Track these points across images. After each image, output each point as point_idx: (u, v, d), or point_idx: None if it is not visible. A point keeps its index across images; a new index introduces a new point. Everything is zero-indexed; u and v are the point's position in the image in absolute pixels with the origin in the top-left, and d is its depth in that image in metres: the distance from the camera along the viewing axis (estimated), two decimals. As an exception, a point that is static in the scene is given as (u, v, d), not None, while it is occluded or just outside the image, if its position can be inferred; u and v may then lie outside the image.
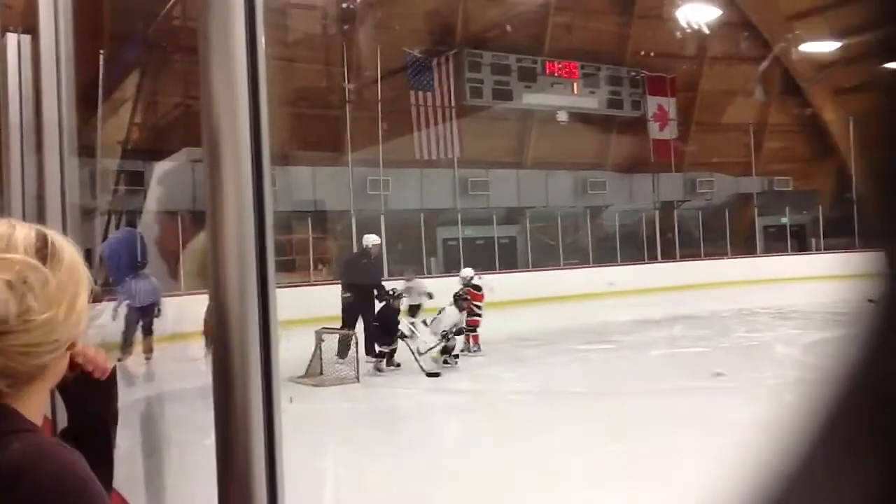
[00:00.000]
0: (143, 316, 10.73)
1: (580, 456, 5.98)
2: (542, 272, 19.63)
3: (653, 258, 22.37)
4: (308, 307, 12.31)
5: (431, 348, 9.74)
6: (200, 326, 9.18)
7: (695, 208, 23.40)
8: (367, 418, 8.05)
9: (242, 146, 0.83)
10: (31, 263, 0.96)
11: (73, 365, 1.07)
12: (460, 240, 19.86)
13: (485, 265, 18.48)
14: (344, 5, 18.88)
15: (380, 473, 5.72)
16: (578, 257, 21.13)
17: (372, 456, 6.28)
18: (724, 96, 24.06)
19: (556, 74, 21.75)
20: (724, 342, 11.88)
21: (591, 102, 22.50)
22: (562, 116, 21.90)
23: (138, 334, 10.75)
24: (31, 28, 1.88)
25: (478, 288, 11.07)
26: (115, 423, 1.19)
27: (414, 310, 11.34)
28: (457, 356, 9.82)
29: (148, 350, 10.88)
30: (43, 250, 0.99)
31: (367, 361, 10.03)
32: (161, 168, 15.58)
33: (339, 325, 10.44)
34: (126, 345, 10.45)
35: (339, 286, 11.07)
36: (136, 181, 15.89)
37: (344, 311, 10.68)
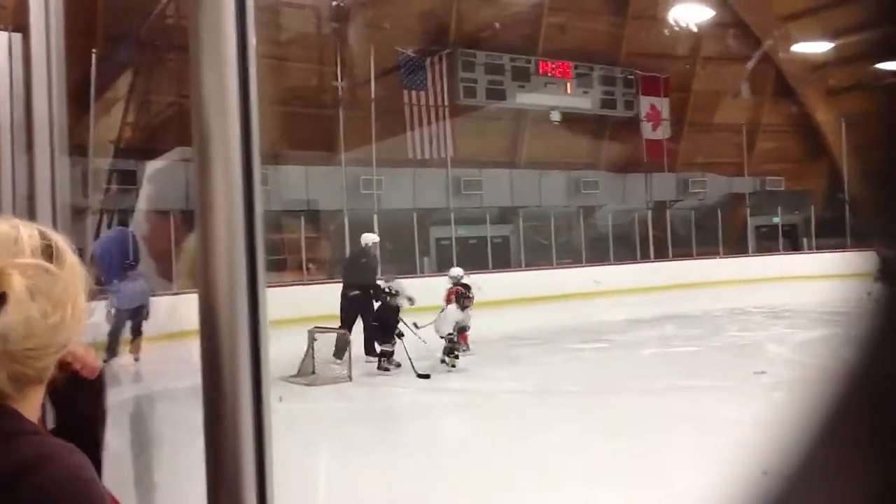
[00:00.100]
0: (132, 317, 10.65)
1: (577, 454, 5.99)
2: (536, 272, 19.66)
3: (646, 258, 22.42)
4: (300, 306, 12.31)
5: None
6: (195, 325, 9.14)
7: (687, 208, 23.46)
8: (361, 417, 8.04)
9: (232, 145, 0.83)
10: (43, 266, 0.96)
11: (62, 365, 1.06)
12: (453, 239, 19.87)
13: (478, 265, 18.50)
14: (336, 4, 18.84)
15: (374, 473, 5.71)
16: (571, 257, 21.17)
17: (366, 455, 6.27)
18: (716, 96, 24.14)
19: (549, 74, 21.77)
20: (717, 341, 11.92)
21: (585, 102, 22.53)
22: (555, 116, 21.92)
23: (127, 335, 10.69)
24: (21, 26, 1.87)
25: (467, 287, 11.09)
26: (104, 422, 1.19)
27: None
28: (457, 356, 9.81)
29: (136, 351, 10.79)
30: (48, 251, 0.99)
31: (366, 361, 10.02)
32: (153, 167, 15.55)
33: (330, 324, 10.43)
34: (112, 346, 10.34)
35: (332, 285, 11.07)
36: (129, 180, 15.85)
37: (343, 310, 10.65)
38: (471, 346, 10.74)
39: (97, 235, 14.14)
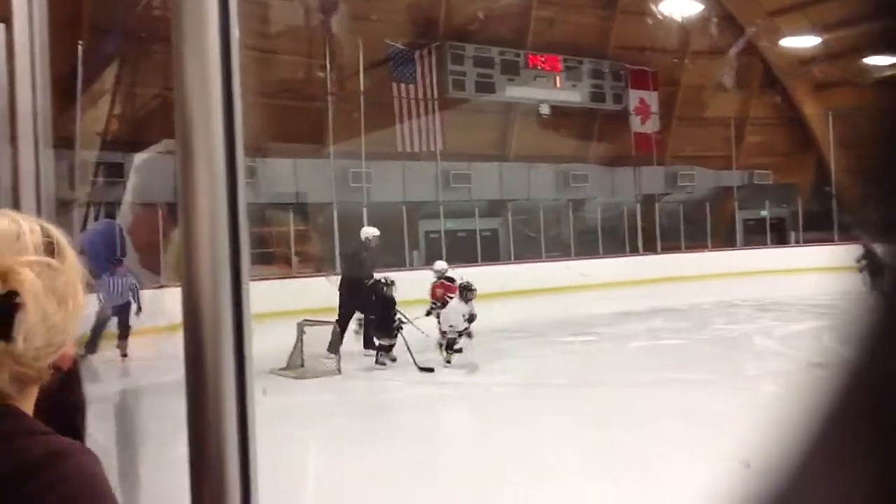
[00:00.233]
0: (118, 313, 10.43)
1: (567, 446, 6.02)
2: (525, 265, 19.68)
3: (634, 251, 22.49)
4: (288, 300, 12.29)
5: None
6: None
7: (676, 201, 23.53)
8: (350, 411, 8.05)
9: (216, 138, 0.82)
10: (47, 263, 0.94)
11: (55, 363, 1.05)
12: (442, 232, 19.87)
13: (467, 258, 18.51)
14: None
15: (363, 467, 5.71)
16: (560, 250, 21.20)
17: (355, 449, 6.28)
18: (705, 90, 24.20)
19: (538, 67, 21.76)
20: (705, 334, 11.99)
21: (574, 96, 22.53)
22: (544, 109, 21.92)
23: (114, 331, 10.52)
24: (4, 17, 1.85)
25: (452, 280, 11.09)
26: (84, 413, 1.17)
27: None
28: (459, 349, 9.81)
29: (123, 348, 10.58)
30: (50, 246, 0.97)
31: (364, 355, 10.01)
32: (140, 159, 15.45)
33: (318, 318, 10.41)
34: (94, 341, 10.05)
35: (320, 279, 11.04)
36: (116, 173, 15.74)
37: (341, 304, 10.61)
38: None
39: (84, 228, 14.04)
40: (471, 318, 9.91)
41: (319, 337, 9.65)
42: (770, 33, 23.61)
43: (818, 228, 22.68)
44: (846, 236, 21.06)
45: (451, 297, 10.85)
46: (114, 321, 10.51)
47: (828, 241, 21.48)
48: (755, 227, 24.45)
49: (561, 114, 22.23)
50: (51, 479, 0.87)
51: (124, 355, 10.58)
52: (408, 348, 9.52)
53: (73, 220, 13.49)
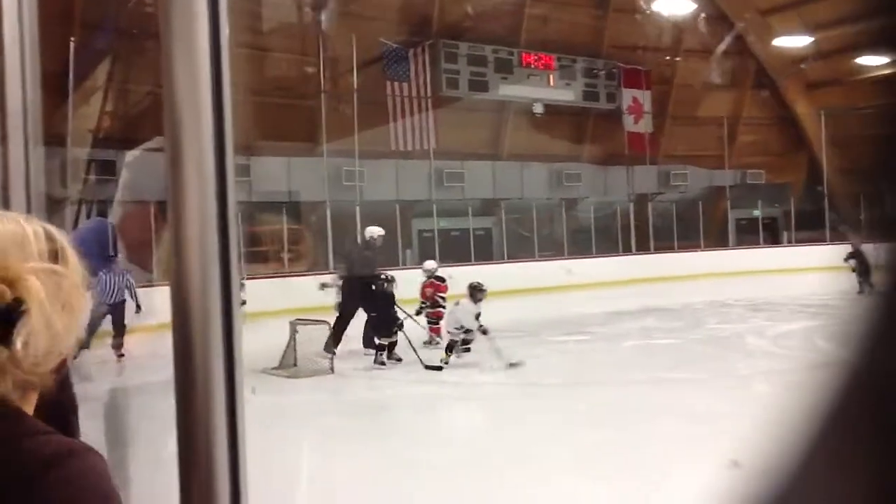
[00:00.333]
0: (112, 312, 10.19)
1: (561, 445, 6.03)
2: (518, 264, 19.69)
3: (627, 250, 22.52)
4: (280, 298, 12.26)
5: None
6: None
7: (669, 201, 23.57)
8: (343, 410, 8.03)
9: (205, 136, 0.81)
10: (53, 269, 0.93)
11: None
12: (436, 231, 19.86)
13: (460, 257, 18.50)
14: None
15: (357, 466, 5.71)
16: (553, 249, 21.22)
17: (348, 448, 6.27)
18: (698, 90, 24.25)
19: (532, 66, 21.77)
20: (697, 334, 12.02)
21: (567, 94, 22.54)
22: (538, 108, 21.93)
23: (108, 329, 10.34)
24: (-6, 13, 1.83)
25: (441, 279, 11.08)
26: (76, 412, 1.17)
27: None
28: (468, 349, 9.78)
29: (118, 348, 10.32)
30: (53, 250, 0.96)
31: (364, 354, 9.98)
32: (133, 156, 15.39)
33: (311, 316, 10.39)
34: (86, 339, 9.90)
35: (313, 278, 11.03)
36: (108, 170, 15.68)
37: (343, 303, 10.56)
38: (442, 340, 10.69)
39: (76, 226, 13.98)
40: (476, 317, 9.89)
41: (312, 336, 9.62)
42: (763, 32, 23.68)
43: (810, 228, 22.76)
44: (837, 236, 21.16)
45: (441, 297, 10.85)
46: (108, 319, 10.28)
47: (820, 240, 21.56)
48: (748, 227, 24.52)
49: (554, 112, 22.25)
50: (59, 479, 0.87)
51: (121, 355, 10.27)
52: (412, 347, 9.51)
53: (65, 217, 13.44)
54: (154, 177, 14.28)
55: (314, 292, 11.38)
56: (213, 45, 0.81)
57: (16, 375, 0.91)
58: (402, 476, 5.50)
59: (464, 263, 16.86)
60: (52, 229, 1.00)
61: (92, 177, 15.61)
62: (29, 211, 1.82)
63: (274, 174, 17.81)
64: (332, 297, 11.22)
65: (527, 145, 22.06)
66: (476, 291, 9.86)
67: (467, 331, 9.62)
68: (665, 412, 6.96)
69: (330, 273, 12.75)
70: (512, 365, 9.19)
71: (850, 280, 14.03)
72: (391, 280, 9.99)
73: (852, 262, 14.43)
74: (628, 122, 23.65)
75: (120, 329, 10.38)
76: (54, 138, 13.00)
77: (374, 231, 11.17)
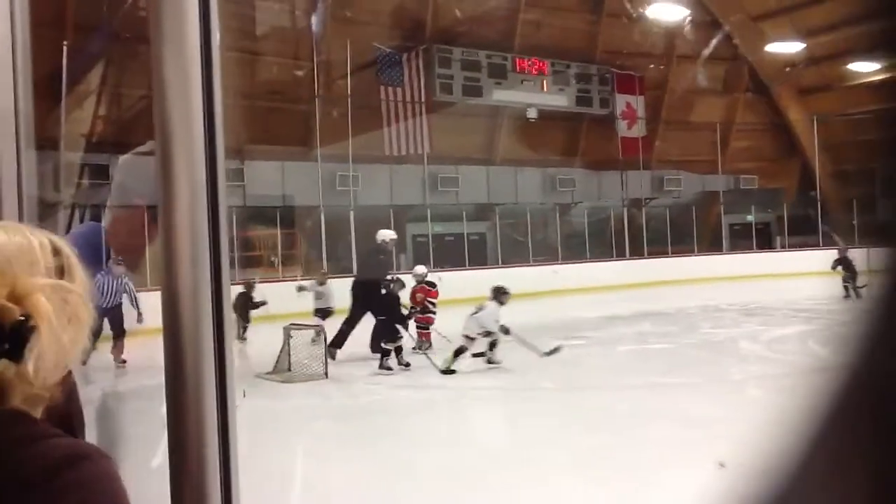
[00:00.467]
0: (110, 315, 9.91)
1: (557, 449, 6.02)
2: (512, 268, 19.68)
3: (621, 255, 22.55)
4: (275, 303, 12.23)
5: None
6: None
7: (662, 206, 23.62)
8: (337, 414, 8.00)
9: (196, 141, 0.81)
10: (60, 285, 0.93)
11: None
12: (430, 236, 19.85)
13: (455, 262, 18.50)
14: (313, -1, 18.72)
15: (351, 470, 5.69)
16: (548, 254, 21.23)
17: (342, 452, 6.25)
18: (691, 95, 24.32)
19: (525, 71, 21.81)
20: (691, 338, 12.02)
21: (561, 100, 22.59)
22: (531, 113, 21.97)
23: (107, 333, 10.17)
24: (-15, 16, 1.82)
25: (432, 284, 11.05)
26: (82, 420, 1.16)
27: (325, 314, 11.24)
28: (482, 353, 9.73)
29: (119, 353, 10.07)
30: (60, 264, 0.96)
31: (370, 360, 9.97)
32: (123, 160, 15.35)
33: (304, 321, 10.40)
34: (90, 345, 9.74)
35: (298, 286, 11.17)
36: (101, 174, 15.63)
37: (354, 305, 10.54)
38: (432, 345, 10.67)
39: (68, 230, 13.93)
40: (505, 331, 9.87)
41: (306, 341, 9.60)
42: (755, 38, 23.77)
43: (803, 233, 22.85)
44: (830, 241, 21.24)
45: (431, 302, 10.82)
46: (104, 324, 10.04)
47: (813, 245, 21.63)
48: (741, 232, 24.59)
49: (548, 117, 22.28)
50: (72, 482, 0.87)
51: (123, 361, 10.03)
52: (424, 353, 9.51)
53: (58, 221, 13.39)
54: (145, 181, 14.28)
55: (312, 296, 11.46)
56: (204, 49, 0.81)
57: (25, 391, 0.91)
58: (396, 480, 5.48)
59: (458, 268, 16.85)
60: (58, 241, 0.99)
61: (85, 181, 15.55)
62: (21, 215, 1.81)
63: (268, 179, 17.78)
64: (310, 300, 11.31)
65: (521, 150, 22.08)
66: (501, 294, 9.88)
67: (488, 333, 9.58)
68: (659, 416, 6.96)
69: (308, 280, 12.70)
70: (550, 352, 9.33)
71: (837, 285, 14.12)
72: (396, 281, 10.01)
73: (839, 267, 14.50)
74: (622, 128, 23.70)
75: (118, 333, 10.14)
76: (47, 142, 12.95)
77: (387, 234, 11.17)
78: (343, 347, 10.22)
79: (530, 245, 21.03)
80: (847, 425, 0.36)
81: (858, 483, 0.35)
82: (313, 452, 6.37)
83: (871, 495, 0.34)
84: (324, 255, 17.63)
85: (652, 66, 23.76)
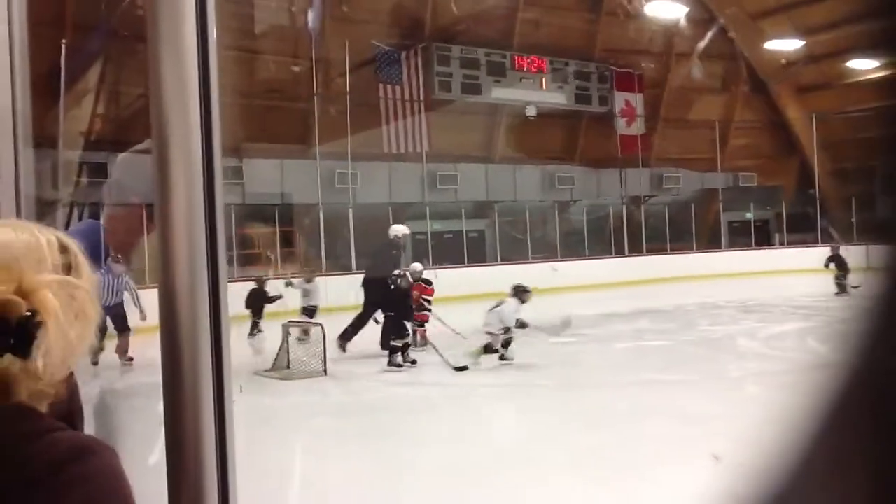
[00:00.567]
0: (112, 313, 9.83)
1: (556, 447, 6.02)
2: (511, 266, 19.68)
3: (620, 252, 22.56)
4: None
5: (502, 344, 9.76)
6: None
7: (661, 203, 23.62)
8: (336, 411, 8.00)
9: (193, 138, 0.81)
10: (68, 281, 0.93)
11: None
12: (429, 234, 19.85)
13: (454, 259, 18.49)
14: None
15: (350, 467, 5.69)
16: (547, 251, 21.24)
17: (341, 449, 6.25)
18: (690, 93, 24.32)
19: (524, 69, 21.80)
20: (689, 335, 12.03)
21: (560, 97, 22.58)
22: (530, 111, 21.96)
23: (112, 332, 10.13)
24: (-18, 14, 1.82)
25: (428, 282, 11.04)
26: (82, 417, 1.17)
27: (310, 312, 11.24)
28: (495, 350, 9.77)
29: (123, 351, 10.05)
30: (67, 261, 0.97)
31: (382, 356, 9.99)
32: (121, 158, 15.34)
33: (301, 319, 10.46)
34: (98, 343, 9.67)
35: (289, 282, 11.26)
36: (99, 172, 15.62)
37: (366, 301, 10.55)
38: (427, 343, 10.67)
39: (67, 228, 13.92)
40: (521, 325, 9.92)
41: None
42: (754, 36, 23.77)
43: (802, 230, 22.87)
44: (829, 238, 21.26)
45: (427, 300, 10.81)
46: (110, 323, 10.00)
47: (811, 243, 21.65)
48: (740, 229, 24.59)
49: (547, 115, 22.28)
50: (77, 476, 0.88)
51: (130, 359, 9.98)
52: (436, 349, 9.51)
53: (57, 220, 13.37)
54: (144, 179, 14.27)
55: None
56: (201, 47, 0.81)
57: (31, 387, 0.91)
58: (395, 478, 5.48)
59: (457, 266, 16.84)
60: (66, 238, 1.00)
61: (84, 179, 15.54)
62: (19, 212, 1.81)
63: (267, 176, 17.77)
64: (297, 297, 11.35)
65: (519, 148, 22.08)
66: (522, 292, 9.95)
67: (506, 329, 9.62)
68: (657, 413, 6.97)
69: (297, 277, 12.70)
70: (562, 326, 10.04)
71: (830, 283, 14.14)
72: (403, 275, 10.04)
73: (832, 265, 14.54)
74: (620, 125, 23.70)
75: (122, 330, 10.12)
76: (46, 140, 12.94)
77: (399, 229, 11.19)
78: (333, 348, 10.23)
79: (529, 242, 21.03)
80: (847, 423, 0.36)
81: (858, 481, 0.34)
82: (312, 449, 6.37)
83: (871, 494, 0.34)
84: (322, 253, 17.63)
85: (652, 66, 23.74)
